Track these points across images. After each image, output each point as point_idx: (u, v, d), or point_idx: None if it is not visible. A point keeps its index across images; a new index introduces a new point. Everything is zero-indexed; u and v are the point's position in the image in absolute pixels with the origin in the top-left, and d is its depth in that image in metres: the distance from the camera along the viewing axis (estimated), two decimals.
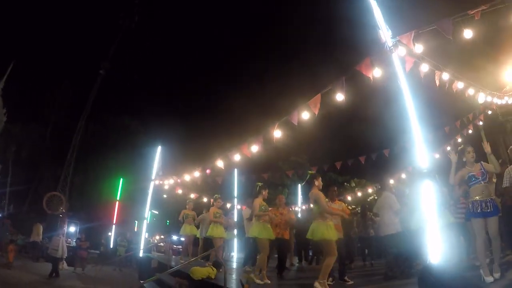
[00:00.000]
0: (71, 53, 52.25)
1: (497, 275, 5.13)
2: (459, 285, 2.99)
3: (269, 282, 6.87)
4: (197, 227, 11.82)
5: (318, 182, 6.05)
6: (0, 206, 33.83)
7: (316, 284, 5.44)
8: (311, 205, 6.09)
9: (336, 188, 7.46)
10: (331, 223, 5.91)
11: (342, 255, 6.76)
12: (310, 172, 6.33)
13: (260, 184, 7.67)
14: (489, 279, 5.06)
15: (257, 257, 7.37)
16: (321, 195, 5.92)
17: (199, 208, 14.53)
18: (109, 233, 29.71)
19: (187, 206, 12.08)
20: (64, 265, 13.47)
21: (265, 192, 7.57)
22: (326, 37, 54.11)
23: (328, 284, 6.02)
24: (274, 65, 60.74)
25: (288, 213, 8.79)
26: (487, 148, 5.77)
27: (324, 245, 5.66)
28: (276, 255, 8.59)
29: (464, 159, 5.63)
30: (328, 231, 5.66)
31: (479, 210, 5.31)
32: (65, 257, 13.56)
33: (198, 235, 11.63)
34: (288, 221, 8.69)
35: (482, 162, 5.62)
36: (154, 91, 61.21)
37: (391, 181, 9.96)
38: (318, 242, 5.74)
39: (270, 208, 7.90)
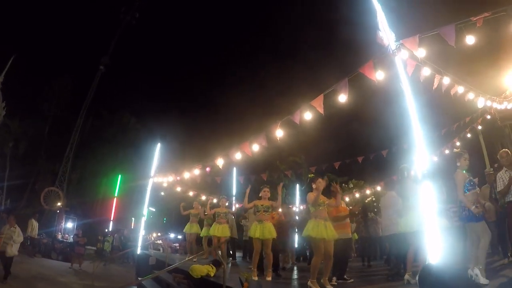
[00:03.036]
0: (71, 48, 52.39)
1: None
2: (459, 285, 3.03)
3: (269, 279, 7.08)
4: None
5: (316, 185, 6.17)
6: None
7: (309, 283, 5.66)
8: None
9: (335, 183, 7.50)
10: (327, 223, 6.00)
11: (345, 254, 6.87)
12: (310, 175, 6.64)
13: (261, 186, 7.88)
14: (486, 281, 5.03)
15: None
16: (310, 196, 6.10)
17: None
18: (106, 230, 29.70)
19: (194, 206, 12.50)
20: None
21: (262, 193, 7.71)
22: (330, 38, 54.42)
23: (332, 285, 6.13)
24: (276, 64, 61.04)
25: (278, 214, 8.99)
26: None
27: (311, 243, 5.83)
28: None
29: (458, 164, 5.67)
30: (313, 229, 5.79)
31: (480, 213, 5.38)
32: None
33: (201, 234, 11.82)
34: (279, 221, 9.22)
35: None
36: (154, 87, 61.39)
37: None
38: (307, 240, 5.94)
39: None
